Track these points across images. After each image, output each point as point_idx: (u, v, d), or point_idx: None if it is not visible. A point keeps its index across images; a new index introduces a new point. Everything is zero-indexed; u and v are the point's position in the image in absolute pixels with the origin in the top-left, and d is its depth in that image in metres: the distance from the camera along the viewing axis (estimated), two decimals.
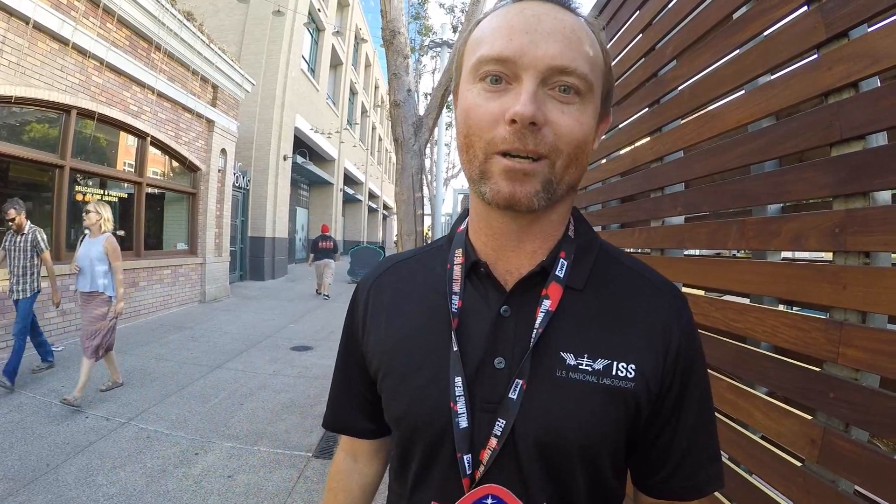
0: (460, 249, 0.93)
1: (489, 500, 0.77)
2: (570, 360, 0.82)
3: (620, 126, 3.14)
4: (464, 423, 0.81)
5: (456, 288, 0.90)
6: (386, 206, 47.94)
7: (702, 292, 2.26)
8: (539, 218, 0.86)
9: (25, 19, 6.88)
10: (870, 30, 1.33)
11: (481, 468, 0.81)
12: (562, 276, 0.87)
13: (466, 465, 0.81)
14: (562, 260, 0.88)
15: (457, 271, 0.92)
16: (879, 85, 1.31)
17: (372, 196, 41.45)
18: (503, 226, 0.87)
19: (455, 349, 0.84)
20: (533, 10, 0.77)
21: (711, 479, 0.91)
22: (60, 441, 4.47)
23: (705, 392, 0.92)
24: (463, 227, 0.98)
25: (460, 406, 0.82)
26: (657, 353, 0.85)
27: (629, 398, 0.82)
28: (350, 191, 32.35)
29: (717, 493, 1.90)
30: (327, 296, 15.37)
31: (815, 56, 1.49)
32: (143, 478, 3.95)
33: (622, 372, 0.82)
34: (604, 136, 3.07)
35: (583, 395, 0.81)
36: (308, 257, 17.67)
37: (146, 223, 10.81)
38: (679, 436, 0.88)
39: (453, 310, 0.88)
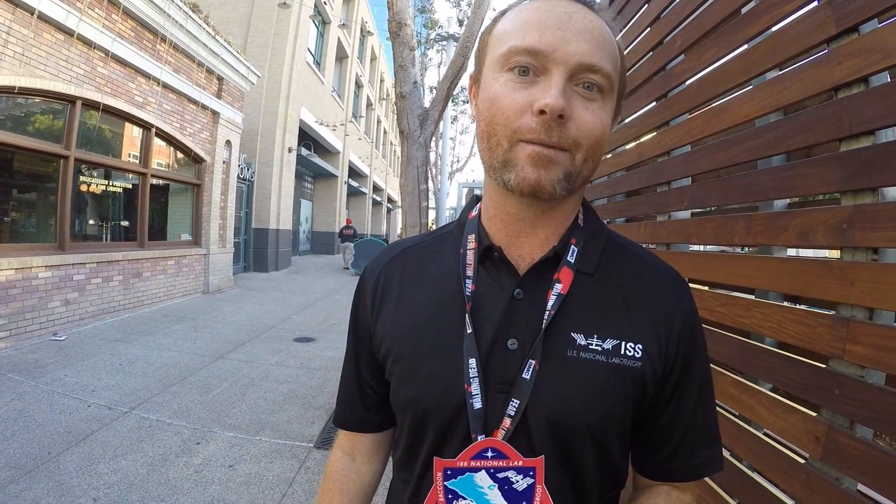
0: (473, 235, 0.95)
1: (489, 454, 0.79)
2: (581, 340, 0.84)
3: (627, 120, 3.13)
4: (478, 403, 0.83)
5: (469, 272, 0.91)
6: (390, 199, 47.97)
7: (707, 287, 2.26)
8: (554, 207, 0.89)
9: (31, 10, 6.85)
10: (880, 25, 1.32)
11: None
12: (573, 261, 0.89)
13: None
14: (573, 246, 0.90)
15: (470, 256, 0.93)
16: (890, 80, 1.30)
17: (376, 189, 41.43)
18: (519, 213, 0.89)
19: (469, 331, 0.85)
20: (564, 9, 0.80)
21: (710, 460, 0.94)
22: (62, 430, 4.47)
23: (706, 376, 0.95)
24: (474, 213, 0.99)
25: (474, 387, 0.83)
26: (660, 335, 0.88)
27: (636, 377, 0.85)
28: (354, 183, 32.38)
29: (718, 489, 1.90)
30: (347, 268, 20.72)
31: (825, 51, 1.48)
32: (144, 467, 3.95)
33: (630, 351, 0.85)
34: (610, 132, 3.08)
35: (593, 374, 0.83)
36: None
37: (150, 214, 10.79)
38: (680, 417, 0.91)
39: (467, 293, 0.89)
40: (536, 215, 0.88)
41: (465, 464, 0.80)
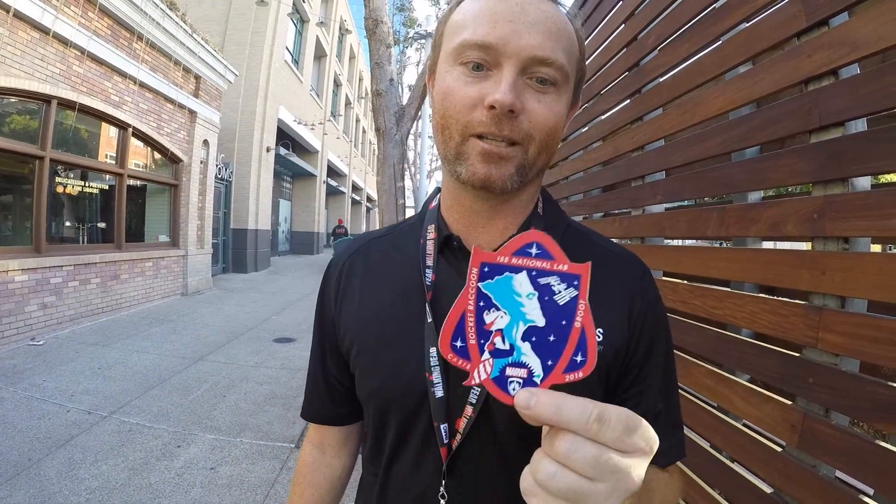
0: (433, 225, 0.95)
1: (534, 250, 0.64)
2: None
3: (603, 117, 3.15)
4: (440, 392, 0.83)
5: (429, 262, 0.92)
6: (369, 199, 47.78)
7: (682, 280, 2.28)
8: (510, 198, 0.89)
9: (6, 7, 6.75)
10: (850, 18, 1.34)
11: (458, 437, 0.83)
12: None
13: (443, 433, 0.83)
14: None
15: (430, 246, 0.93)
16: (859, 72, 1.32)
17: (355, 188, 41.23)
18: (474, 204, 0.90)
19: (430, 321, 0.86)
20: None
21: (672, 447, 0.92)
22: (42, 435, 4.42)
23: (668, 362, 0.94)
24: (435, 203, 0.99)
25: (436, 376, 0.83)
26: (622, 319, 0.88)
27: (599, 361, 0.83)
28: (333, 183, 32.21)
29: (696, 479, 1.92)
30: None
31: (796, 44, 1.50)
32: (125, 471, 3.92)
33: None
34: (584, 129, 3.08)
35: None
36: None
37: (127, 215, 10.66)
38: (645, 401, 0.90)
39: (427, 283, 0.89)
40: (492, 206, 0.89)
41: (506, 259, 0.64)
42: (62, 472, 3.83)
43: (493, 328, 0.64)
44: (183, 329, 8.91)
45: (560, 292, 0.64)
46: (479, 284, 0.64)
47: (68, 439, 4.39)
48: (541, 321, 0.64)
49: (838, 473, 1.34)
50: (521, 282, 0.64)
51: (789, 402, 1.49)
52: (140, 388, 5.78)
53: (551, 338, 0.64)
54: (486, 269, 0.64)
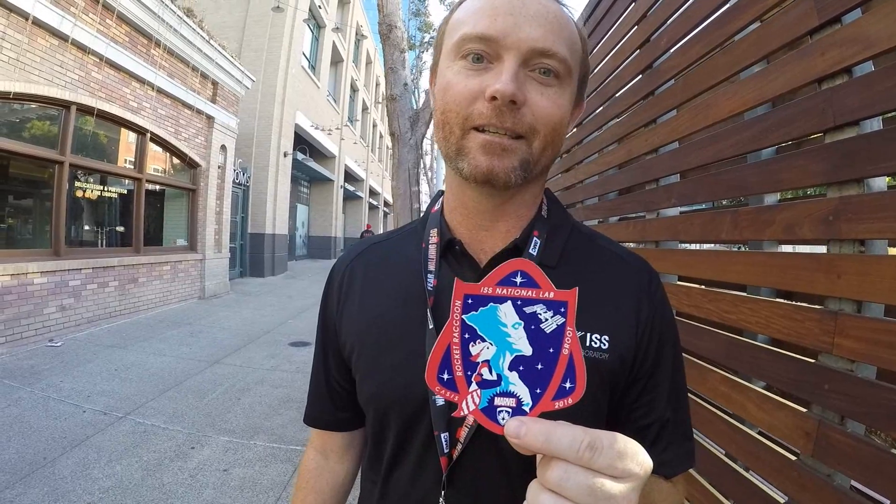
0: (435, 229, 0.93)
1: (518, 279, 0.64)
2: None
3: (617, 119, 3.13)
4: (441, 400, 0.81)
5: (431, 267, 0.90)
6: (387, 203, 47.81)
7: (698, 285, 2.25)
8: (513, 196, 0.87)
9: (25, 15, 6.85)
10: (862, 14, 1.31)
11: (458, 446, 0.81)
12: (535, 253, 0.87)
13: (444, 443, 0.81)
14: (535, 238, 0.88)
15: (432, 250, 0.91)
16: (873, 69, 1.29)
17: (372, 193, 41.35)
18: (478, 204, 0.87)
19: (431, 327, 0.83)
20: None
21: (683, 456, 0.90)
22: (58, 435, 4.46)
23: (678, 368, 0.92)
24: (437, 207, 0.98)
25: None
26: (629, 325, 0.85)
27: (604, 369, 0.82)
28: (350, 188, 32.33)
29: (710, 488, 1.89)
30: None
31: (809, 42, 1.48)
32: (139, 471, 3.94)
33: (596, 343, 0.82)
34: (599, 132, 3.05)
35: None
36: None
37: (146, 219, 10.77)
38: (654, 410, 0.88)
39: (429, 288, 0.87)
40: (495, 206, 0.87)
41: (490, 290, 0.63)
42: (76, 472, 3.86)
43: (480, 359, 0.63)
44: (200, 332, 8.97)
45: (547, 320, 0.63)
46: (464, 317, 0.63)
47: (83, 439, 4.43)
48: (528, 350, 0.63)
49: (854, 483, 1.31)
50: (507, 312, 0.63)
51: (804, 410, 1.46)
52: (156, 390, 5.82)
53: (539, 366, 0.63)
54: (469, 301, 0.63)
